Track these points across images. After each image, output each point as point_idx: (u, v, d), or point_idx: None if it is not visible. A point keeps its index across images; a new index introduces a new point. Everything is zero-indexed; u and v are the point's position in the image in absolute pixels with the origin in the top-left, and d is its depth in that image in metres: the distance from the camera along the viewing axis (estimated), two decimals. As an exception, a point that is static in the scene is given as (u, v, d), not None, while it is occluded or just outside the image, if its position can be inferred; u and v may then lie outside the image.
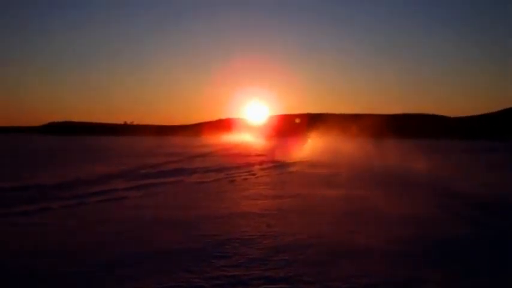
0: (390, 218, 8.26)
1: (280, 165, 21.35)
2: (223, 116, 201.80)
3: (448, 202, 10.45)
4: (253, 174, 16.85)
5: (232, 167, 19.87)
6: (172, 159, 25.89)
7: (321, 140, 62.10)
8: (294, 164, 22.51)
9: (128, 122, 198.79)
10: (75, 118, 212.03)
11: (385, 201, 10.41)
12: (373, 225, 7.59)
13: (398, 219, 8.15)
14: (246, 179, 15.41)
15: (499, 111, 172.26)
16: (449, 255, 5.82)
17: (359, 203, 10.08)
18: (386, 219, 8.20)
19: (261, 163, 22.84)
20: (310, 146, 46.11)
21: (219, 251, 5.87)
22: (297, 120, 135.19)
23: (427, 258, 5.69)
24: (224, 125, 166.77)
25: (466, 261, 5.57)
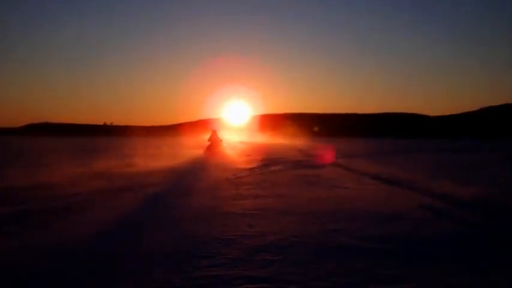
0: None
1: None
2: (203, 116, 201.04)
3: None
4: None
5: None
6: (150, 160, 25.41)
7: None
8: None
9: (108, 123, 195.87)
10: (55, 119, 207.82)
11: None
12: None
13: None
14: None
15: (479, 109, 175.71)
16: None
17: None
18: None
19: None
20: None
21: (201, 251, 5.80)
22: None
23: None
24: (205, 125, 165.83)
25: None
